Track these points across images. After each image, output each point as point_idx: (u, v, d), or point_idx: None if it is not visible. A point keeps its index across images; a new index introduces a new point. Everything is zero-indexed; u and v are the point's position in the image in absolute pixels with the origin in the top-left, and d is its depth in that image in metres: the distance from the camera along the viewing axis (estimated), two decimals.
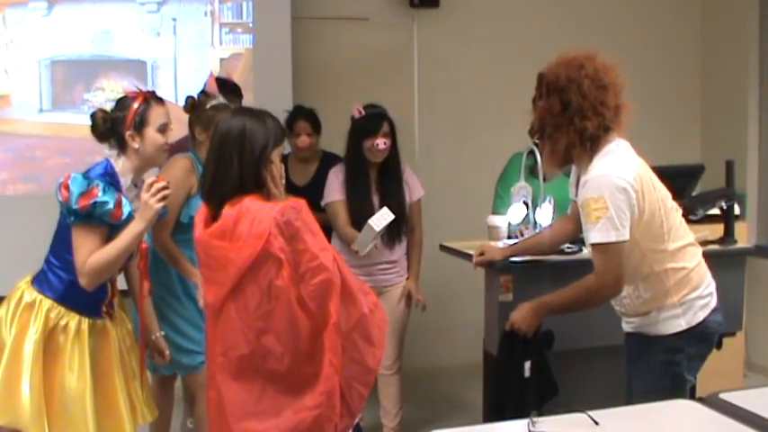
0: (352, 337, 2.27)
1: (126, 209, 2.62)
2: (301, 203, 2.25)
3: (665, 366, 2.63)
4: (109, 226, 2.60)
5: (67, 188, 2.54)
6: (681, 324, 2.62)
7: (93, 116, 2.72)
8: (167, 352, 2.98)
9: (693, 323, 2.62)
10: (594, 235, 2.51)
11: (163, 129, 2.72)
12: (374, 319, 2.31)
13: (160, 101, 2.76)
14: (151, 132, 2.70)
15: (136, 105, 2.68)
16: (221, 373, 2.30)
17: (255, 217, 2.22)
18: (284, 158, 4.05)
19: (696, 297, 2.62)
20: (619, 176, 2.49)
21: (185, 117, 3.31)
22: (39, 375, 2.58)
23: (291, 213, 2.21)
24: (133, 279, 2.93)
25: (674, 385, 2.61)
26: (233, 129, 2.30)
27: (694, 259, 2.65)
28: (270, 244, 2.18)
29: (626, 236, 2.50)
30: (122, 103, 2.73)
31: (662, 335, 2.63)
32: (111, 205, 2.56)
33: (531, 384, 2.81)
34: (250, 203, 2.25)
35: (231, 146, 2.29)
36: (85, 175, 2.59)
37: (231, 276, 2.23)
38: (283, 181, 2.38)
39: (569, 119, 2.56)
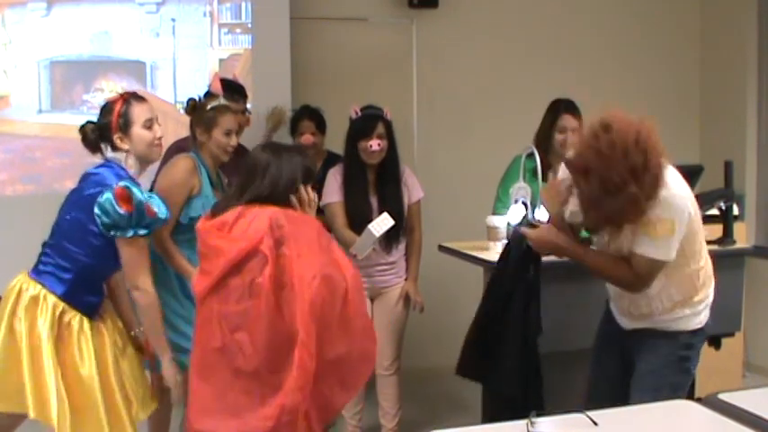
0: (332, 373, 2.28)
1: (166, 211, 2.72)
2: (311, 219, 2.36)
3: (680, 362, 2.68)
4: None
5: (129, 201, 2.58)
6: (697, 322, 2.69)
7: (82, 129, 2.77)
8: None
9: (704, 321, 2.71)
10: (652, 250, 2.50)
11: (148, 125, 2.75)
12: (356, 362, 2.33)
13: (140, 98, 2.79)
14: (137, 130, 2.73)
15: (117, 108, 2.72)
16: (193, 365, 2.36)
17: (257, 215, 2.27)
18: None
19: (709, 294, 2.70)
20: (685, 197, 2.52)
21: (184, 117, 3.32)
22: (57, 368, 2.63)
23: (286, 220, 2.26)
24: (112, 283, 2.96)
25: (685, 380, 2.69)
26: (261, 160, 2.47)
27: (708, 258, 2.72)
28: (261, 241, 2.22)
29: (673, 257, 2.53)
30: (105, 109, 2.77)
31: (679, 331, 2.68)
32: (166, 214, 2.68)
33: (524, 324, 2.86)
34: (261, 207, 2.32)
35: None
36: (138, 188, 2.65)
37: (220, 266, 2.29)
38: (314, 204, 2.50)
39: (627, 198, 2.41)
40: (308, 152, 4.04)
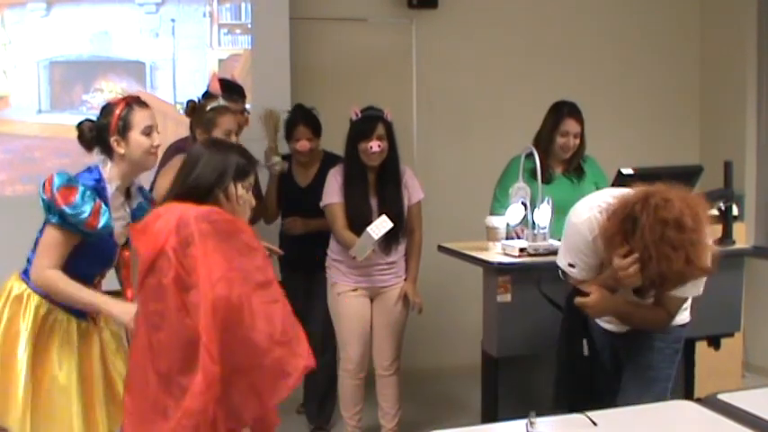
0: (241, 380, 2.23)
1: (103, 218, 2.62)
2: (235, 221, 2.30)
3: (674, 355, 2.76)
4: (83, 234, 2.62)
5: (51, 183, 2.57)
6: (686, 316, 2.75)
7: (79, 126, 2.74)
8: None
9: (689, 316, 2.78)
10: (689, 291, 2.54)
11: (147, 131, 2.71)
12: (269, 373, 2.25)
13: (143, 104, 2.76)
14: (136, 136, 2.69)
15: (118, 111, 2.69)
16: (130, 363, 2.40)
17: (169, 215, 2.26)
18: (287, 159, 4.10)
19: None
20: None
21: (183, 117, 3.32)
22: (30, 372, 2.60)
23: (194, 218, 2.22)
24: (124, 282, 2.94)
25: (674, 370, 2.76)
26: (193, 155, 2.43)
27: None
28: (167, 241, 2.20)
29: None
30: (106, 109, 2.74)
31: (673, 326, 2.71)
32: (86, 214, 2.58)
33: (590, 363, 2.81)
34: (179, 205, 2.31)
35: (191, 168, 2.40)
36: (70, 176, 2.62)
37: (141, 269, 2.28)
38: (248, 204, 2.44)
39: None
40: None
